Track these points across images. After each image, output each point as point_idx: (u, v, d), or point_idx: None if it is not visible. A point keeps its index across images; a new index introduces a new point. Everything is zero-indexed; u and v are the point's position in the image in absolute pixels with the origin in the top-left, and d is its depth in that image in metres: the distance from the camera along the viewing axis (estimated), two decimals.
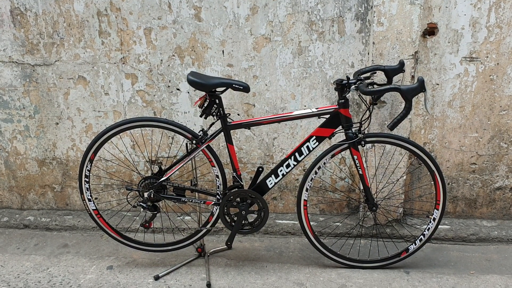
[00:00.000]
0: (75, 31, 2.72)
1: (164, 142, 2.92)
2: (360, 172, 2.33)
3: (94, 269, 2.57)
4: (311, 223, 2.57)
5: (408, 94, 2.00)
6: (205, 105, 2.23)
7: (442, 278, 2.41)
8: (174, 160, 2.55)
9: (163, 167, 2.43)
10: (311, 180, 2.37)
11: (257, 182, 2.39)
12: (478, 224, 2.86)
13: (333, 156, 2.34)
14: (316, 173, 2.36)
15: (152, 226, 2.50)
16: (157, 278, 2.45)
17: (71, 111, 2.91)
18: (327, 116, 2.25)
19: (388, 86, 2.04)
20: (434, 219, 2.42)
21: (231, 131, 2.33)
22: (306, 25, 2.58)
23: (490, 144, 2.72)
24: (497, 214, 2.90)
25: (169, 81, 2.77)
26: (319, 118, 2.27)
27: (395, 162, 2.67)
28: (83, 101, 2.87)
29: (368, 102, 2.34)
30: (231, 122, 2.28)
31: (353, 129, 2.26)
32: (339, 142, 2.31)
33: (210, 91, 2.20)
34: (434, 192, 2.39)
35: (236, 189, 2.38)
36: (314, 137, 2.29)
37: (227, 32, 2.63)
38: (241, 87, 2.18)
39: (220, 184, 2.43)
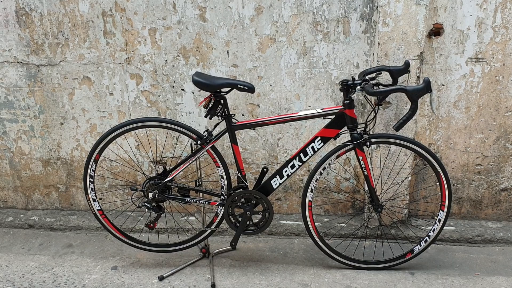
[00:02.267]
0: (80, 32, 2.73)
1: (169, 142, 2.92)
2: (365, 173, 2.32)
3: (98, 269, 2.57)
4: (316, 224, 2.57)
5: (414, 95, 1.99)
6: (210, 105, 2.23)
7: (448, 280, 2.40)
8: (179, 161, 2.55)
9: (167, 168, 2.43)
10: (316, 181, 2.37)
11: (262, 182, 2.39)
12: (483, 226, 2.84)
13: (338, 156, 2.33)
14: (321, 173, 2.36)
15: (156, 227, 2.50)
16: (161, 278, 2.45)
17: (75, 111, 2.91)
18: (332, 116, 2.25)
19: (393, 87, 2.03)
20: (439, 220, 2.41)
21: (236, 131, 2.32)
22: (311, 25, 2.57)
23: (496, 145, 2.71)
24: (503, 215, 2.88)
25: (174, 81, 2.77)
26: (324, 118, 2.26)
27: (400, 163, 2.66)
28: (87, 101, 2.88)
29: (373, 103, 2.33)
30: (235, 123, 2.28)
31: (358, 130, 2.25)
32: (344, 142, 2.30)
33: (215, 92, 2.20)
34: (439, 193, 2.38)
35: (241, 189, 2.38)
36: (319, 138, 2.28)
37: (232, 32, 2.63)
38: (246, 88, 2.18)
39: (224, 185, 2.43)
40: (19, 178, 3.16)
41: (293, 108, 2.76)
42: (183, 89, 2.79)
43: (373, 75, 2.30)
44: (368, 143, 2.26)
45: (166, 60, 2.73)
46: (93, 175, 2.45)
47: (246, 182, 2.40)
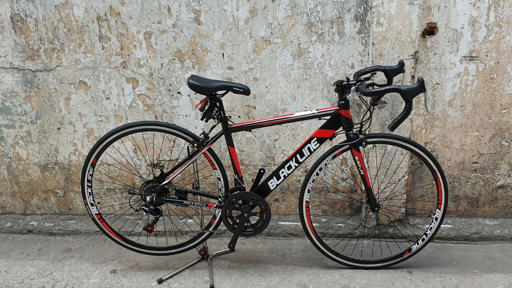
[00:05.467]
0: (75, 36, 2.73)
1: (166, 145, 2.93)
2: (362, 172, 2.33)
3: (97, 273, 2.58)
4: (314, 224, 2.57)
5: (408, 95, 2.00)
6: (206, 108, 2.23)
7: (445, 278, 2.41)
8: (176, 163, 2.56)
9: (165, 171, 2.44)
10: (312, 182, 2.37)
11: (259, 184, 2.40)
12: (481, 223, 2.86)
13: (334, 157, 2.34)
14: (317, 174, 2.37)
15: (154, 230, 2.51)
16: (160, 281, 2.46)
17: (72, 116, 2.92)
18: (328, 117, 2.26)
19: (388, 87, 2.04)
20: (436, 219, 2.42)
21: (232, 133, 2.33)
22: (305, 26, 2.58)
23: (492, 142, 2.72)
24: (500, 213, 2.90)
25: (170, 84, 2.78)
26: (319, 119, 2.27)
27: (396, 162, 2.67)
28: (84, 106, 2.88)
29: (368, 103, 2.35)
30: (232, 125, 2.29)
31: (354, 130, 2.26)
32: (340, 143, 2.31)
33: (210, 94, 2.20)
34: (436, 191, 2.39)
35: (238, 191, 2.39)
36: (315, 139, 2.29)
37: (227, 35, 2.64)
38: (242, 90, 2.19)
39: (222, 187, 2.43)
40: (17, 183, 3.16)
41: (289, 109, 2.77)
42: (179, 92, 2.79)
43: (368, 75, 2.31)
44: (364, 143, 2.27)
45: (162, 64, 2.74)
46: (90, 179, 2.45)
47: (243, 183, 2.41)
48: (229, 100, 2.77)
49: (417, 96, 2.41)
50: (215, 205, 2.43)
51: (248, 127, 2.31)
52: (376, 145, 2.65)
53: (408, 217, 2.92)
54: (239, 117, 2.81)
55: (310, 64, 2.66)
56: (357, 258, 2.52)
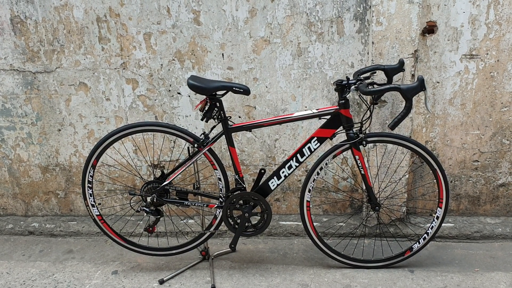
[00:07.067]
0: (75, 38, 2.73)
1: (166, 146, 2.93)
2: (362, 172, 2.33)
3: (99, 274, 2.58)
4: (315, 223, 2.57)
5: (408, 93, 2.00)
6: (206, 108, 2.23)
7: (447, 276, 2.40)
8: (176, 164, 2.56)
9: (165, 171, 2.44)
10: (313, 181, 2.37)
11: (260, 184, 2.40)
12: (482, 222, 2.85)
13: (334, 156, 2.34)
14: (318, 173, 2.36)
15: (155, 230, 2.51)
16: (162, 282, 2.46)
17: (73, 117, 2.92)
18: (328, 116, 2.26)
19: (388, 86, 2.04)
20: (437, 217, 2.42)
21: (233, 133, 2.33)
22: (305, 26, 2.58)
23: (492, 141, 2.71)
24: (501, 211, 2.89)
25: (170, 85, 2.78)
26: (320, 119, 2.27)
27: (397, 161, 2.67)
28: (84, 107, 2.89)
29: (368, 102, 2.34)
30: (232, 125, 2.29)
31: (354, 129, 2.26)
32: (341, 142, 2.31)
33: (210, 95, 2.20)
34: (437, 190, 2.38)
35: (239, 191, 2.39)
36: (315, 138, 2.29)
37: (227, 35, 2.64)
38: (242, 90, 2.19)
39: (222, 187, 2.43)
40: (18, 185, 3.16)
41: (289, 109, 2.77)
42: (179, 93, 2.79)
43: (368, 74, 2.31)
44: (364, 142, 2.27)
45: (162, 64, 2.74)
46: (91, 180, 2.45)
47: (244, 184, 2.41)
48: (229, 100, 2.77)
49: (417, 95, 2.40)
50: (216, 205, 2.43)
51: (249, 127, 2.31)
52: (377, 144, 2.65)
53: (409, 216, 2.91)
54: (239, 117, 2.81)
55: (310, 64, 2.66)
56: (358, 258, 2.52)
